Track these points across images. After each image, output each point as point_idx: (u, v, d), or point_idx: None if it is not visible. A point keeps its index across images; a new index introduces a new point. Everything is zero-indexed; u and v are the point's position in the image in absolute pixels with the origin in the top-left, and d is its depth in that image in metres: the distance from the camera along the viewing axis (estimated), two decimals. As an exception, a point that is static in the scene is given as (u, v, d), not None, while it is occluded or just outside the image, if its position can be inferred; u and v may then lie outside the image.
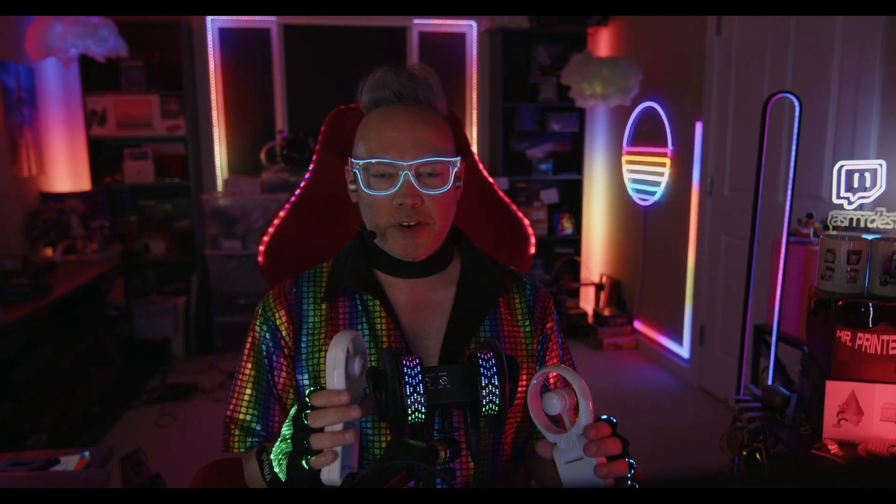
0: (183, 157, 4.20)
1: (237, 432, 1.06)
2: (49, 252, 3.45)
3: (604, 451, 0.85)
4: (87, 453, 1.45)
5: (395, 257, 1.05)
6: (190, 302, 4.12)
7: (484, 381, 0.84)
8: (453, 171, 1.02)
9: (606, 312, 4.31)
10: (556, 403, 0.88)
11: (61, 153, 3.93)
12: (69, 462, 1.40)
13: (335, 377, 0.83)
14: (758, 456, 1.40)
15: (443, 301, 1.07)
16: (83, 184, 4.06)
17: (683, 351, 3.69)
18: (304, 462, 0.82)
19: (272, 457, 0.88)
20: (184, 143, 4.18)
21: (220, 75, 4.35)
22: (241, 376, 1.07)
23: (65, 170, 3.95)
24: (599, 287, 4.59)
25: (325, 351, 1.03)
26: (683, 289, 3.65)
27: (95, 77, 3.94)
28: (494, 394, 0.84)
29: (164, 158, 4.20)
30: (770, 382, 1.99)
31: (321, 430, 0.82)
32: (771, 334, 2.08)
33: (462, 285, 1.08)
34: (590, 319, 4.47)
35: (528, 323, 1.11)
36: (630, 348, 4.20)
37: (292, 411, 0.86)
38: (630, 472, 0.88)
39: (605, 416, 0.89)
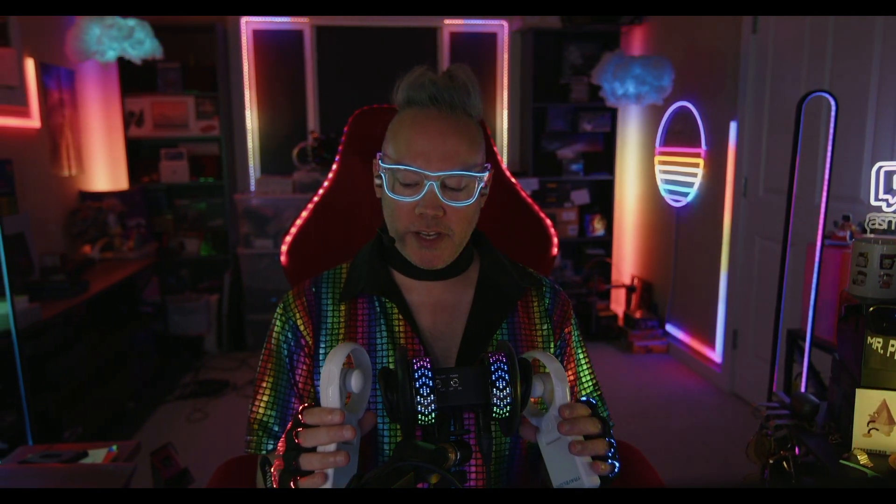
0: (217, 157, 4.28)
1: (259, 433, 1.07)
2: (87, 249, 3.54)
3: (577, 430, 0.84)
4: (114, 447, 1.48)
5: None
6: (223, 299, 4.19)
7: (495, 384, 0.83)
8: (479, 186, 1.00)
9: (637, 315, 4.25)
10: (537, 386, 0.88)
11: (100, 153, 4.03)
12: (97, 455, 1.44)
13: (329, 394, 0.80)
14: (785, 465, 1.36)
15: (461, 303, 1.07)
16: (121, 183, 4.17)
17: (716, 355, 3.62)
18: (291, 483, 0.79)
19: (272, 469, 0.85)
20: (218, 144, 4.26)
21: (254, 76, 4.42)
22: (261, 377, 1.08)
23: (103, 169, 4.06)
24: (630, 289, 4.53)
25: None
26: (716, 292, 3.58)
27: (133, 79, 4.03)
28: (506, 397, 0.83)
29: (198, 158, 4.29)
30: (803, 389, 1.94)
31: (313, 449, 0.79)
32: (805, 340, 2.02)
33: (481, 288, 1.08)
34: (620, 322, 4.42)
35: (546, 326, 1.10)
36: (661, 352, 4.14)
37: (289, 426, 0.83)
38: (610, 452, 0.86)
39: (584, 398, 0.89)
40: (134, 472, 1.27)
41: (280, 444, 0.84)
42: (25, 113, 3.14)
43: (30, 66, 3.18)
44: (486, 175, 1.01)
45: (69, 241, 3.55)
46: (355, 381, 0.84)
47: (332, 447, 0.78)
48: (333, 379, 0.80)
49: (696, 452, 2.85)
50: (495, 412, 0.84)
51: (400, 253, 1.05)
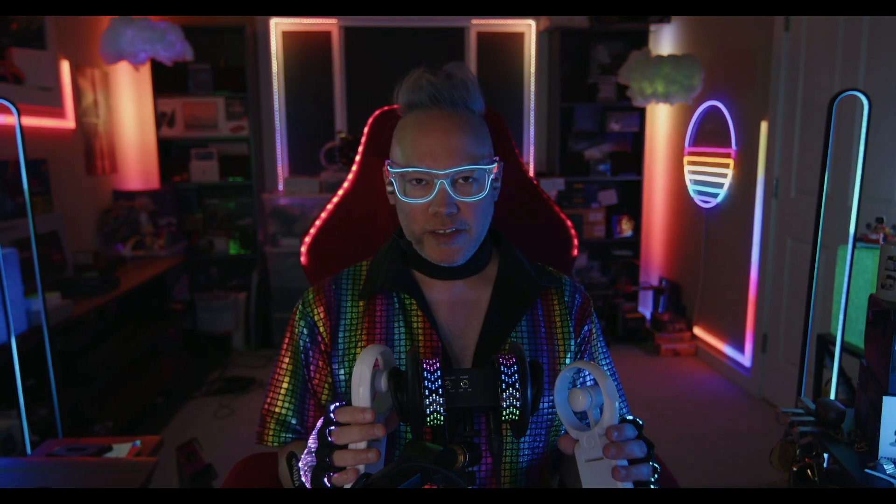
0: (246, 157, 4.34)
1: (272, 426, 1.08)
2: (119, 248, 3.62)
3: (623, 454, 0.82)
4: (138, 442, 1.51)
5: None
6: (250, 297, 4.25)
7: (504, 386, 0.83)
8: (489, 178, 1.01)
9: (665, 317, 4.19)
10: (581, 400, 0.86)
11: (133, 153, 4.12)
12: (121, 450, 1.47)
13: (360, 393, 0.83)
14: (809, 473, 1.33)
15: (479, 301, 1.07)
16: (152, 183, 4.25)
17: (745, 359, 3.55)
18: (325, 479, 0.82)
19: (301, 465, 0.88)
20: (247, 144, 4.31)
21: (283, 77, 4.47)
22: (278, 370, 1.10)
23: (136, 169, 4.15)
24: (658, 291, 4.47)
25: (363, 347, 1.04)
26: (746, 294, 3.52)
27: (165, 80, 4.11)
28: (515, 399, 0.83)
29: (228, 158, 4.35)
30: (833, 396, 1.89)
31: (345, 446, 0.82)
32: (835, 345, 1.97)
33: (499, 286, 1.08)
34: (647, 324, 4.37)
35: (565, 325, 1.09)
36: (689, 355, 4.08)
37: (318, 424, 0.86)
38: (654, 477, 0.85)
39: (631, 418, 0.87)
40: (155, 467, 1.29)
41: (311, 440, 0.87)
42: (60, 114, 3.23)
43: (65, 67, 3.26)
44: (494, 166, 1.01)
45: (102, 239, 3.63)
46: (384, 382, 0.86)
47: (363, 445, 0.82)
48: (365, 379, 0.83)
49: (724, 458, 2.80)
50: (505, 414, 0.83)
51: (419, 253, 1.06)
